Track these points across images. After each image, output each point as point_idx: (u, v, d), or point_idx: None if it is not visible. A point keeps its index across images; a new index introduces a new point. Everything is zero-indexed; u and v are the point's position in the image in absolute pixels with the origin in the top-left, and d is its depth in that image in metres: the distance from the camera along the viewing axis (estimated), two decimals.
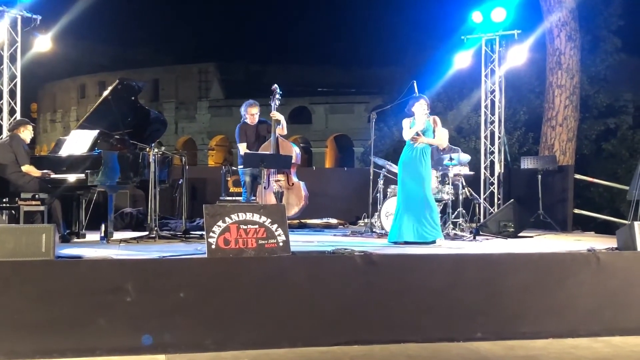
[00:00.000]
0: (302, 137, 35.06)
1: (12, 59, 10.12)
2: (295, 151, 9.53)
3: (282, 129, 9.41)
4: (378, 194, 9.37)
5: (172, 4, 41.72)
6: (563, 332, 5.91)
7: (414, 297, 5.82)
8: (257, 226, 5.95)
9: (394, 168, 9.49)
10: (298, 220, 10.27)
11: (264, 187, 8.88)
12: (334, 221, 10.90)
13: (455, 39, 12.01)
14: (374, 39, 33.92)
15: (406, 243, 7.62)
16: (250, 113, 9.51)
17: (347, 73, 36.32)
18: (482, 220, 10.22)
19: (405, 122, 7.92)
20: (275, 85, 9.54)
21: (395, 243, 7.71)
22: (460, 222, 9.04)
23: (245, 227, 5.91)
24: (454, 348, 5.58)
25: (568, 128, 12.99)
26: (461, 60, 11.58)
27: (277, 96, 9.47)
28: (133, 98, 8.68)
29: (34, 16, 10.09)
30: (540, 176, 10.69)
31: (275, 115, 9.35)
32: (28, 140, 8.05)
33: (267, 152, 9.23)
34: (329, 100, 35.49)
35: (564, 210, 10.83)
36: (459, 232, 8.78)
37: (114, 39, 38.56)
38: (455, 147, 9.63)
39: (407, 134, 7.88)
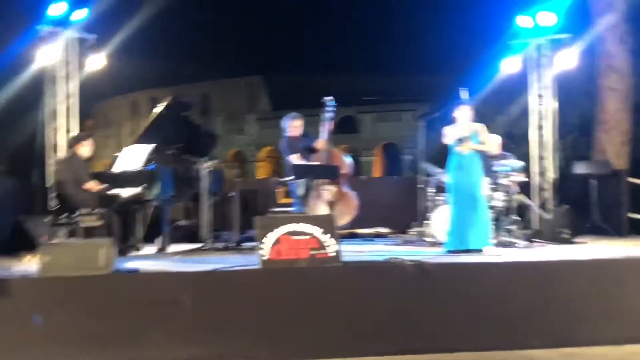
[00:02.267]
0: (349, 146, 35.08)
1: (67, 78, 10.39)
2: (346, 161, 9.55)
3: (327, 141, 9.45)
4: (429, 202, 9.31)
5: (219, 19, 42.24)
6: (621, 339, 5.78)
7: (467, 305, 5.78)
8: (308, 236, 5.98)
9: (443, 175, 9.43)
10: (348, 230, 10.28)
11: (317, 197, 8.92)
12: (384, 230, 10.88)
13: (501, 43, 11.90)
14: (419, 45, 33.77)
15: (463, 251, 7.56)
16: (293, 126, 9.50)
17: (393, 80, 36.21)
18: (536, 227, 10.08)
19: (447, 129, 7.87)
20: (330, 97, 9.46)
21: (452, 252, 7.65)
22: (514, 229, 8.93)
23: (296, 237, 5.96)
24: (509, 356, 5.52)
25: (621, 132, 12.73)
26: (509, 65, 11.47)
27: (330, 108, 9.39)
28: (185, 114, 8.86)
29: (89, 36, 10.36)
30: (594, 181, 10.50)
31: (330, 126, 9.34)
32: (88, 155, 8.23)
33: (316, 163, 9.27)
34: (375, 109, 35.49)
35: (619, 215, 10.61)
36: (512, 240, 8.68)
37: (164, 55, 39.17)
38: (508, 154, 9.53)
39: (447, 139, 7.84)
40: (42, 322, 5.28)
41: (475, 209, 7.64)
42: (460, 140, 7.76)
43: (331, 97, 9.39)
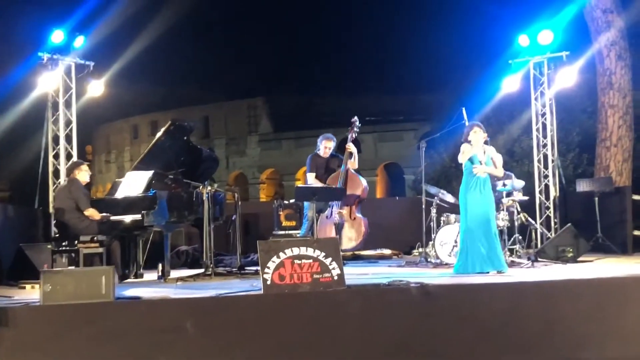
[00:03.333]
0: None
1: (67, 104, 10.43)
2: (362, 184, 9.59)
3: (353, 162, 9.55)
4: (431, 223, 9.28)
5: (218, 42, 42.47)
6: (627, 358, 5.73)
7: (471, 327, 5.73)
8: (311, 260, 5.97)
9: (447, 196, 9.42)
10: (352, 252, 10.25)
11: (326, 217, 8.92)
12: (387, 252, 10.83)
13: (501, 62, 11.96)
14: (420, 65, 33.82)
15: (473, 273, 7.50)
16: (325, 146, 9.69)
17: (394, 100, 36.26)
18: (539, 246, 10.03)
19: (465, 147, 7.80)
20: (356, 117, 9.66)
21: (462, 274, 7.58)
22: (517, 248, 8.89)
23: (299, 261, 5.94)
24: None
25: (623, 148, 12.71)
26: (509, 84, 11.50)
27: (356, 128, 9.61)
28: (185, 138, 8.85)
29: (87, 62, 10.41)
30: (597, 198, 10.47)
31: (350, 147, 9.48)
32: (86, 180, 8.24)
33: (320, 185, 9.28)
34: (377, 129, 35.44)
35: (623, 232, 10.56)
36: (516, 259, 8.63)
37: (164, 79, 39.33)
38: (509, 173, 9.51)
39: (462, 158, 7.78)
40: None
41: (488, 232, 7.59)
42: (479, 162, 7.72)
43: (355, 117, 9.56)
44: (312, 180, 9.47)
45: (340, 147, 10.05)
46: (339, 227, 9.26)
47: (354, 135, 9.69)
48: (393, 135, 35.07)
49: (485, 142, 7.83)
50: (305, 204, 9.59)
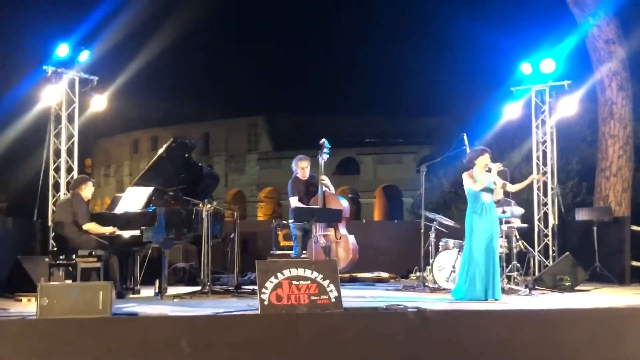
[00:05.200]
0: (350, 187, 35.11)
1: (70, 118, 10.44)
2: (343, 205, 9.57)
3: (329, 190, 9.56)
4: (430, 247, 9.28)
5: (220, 60, 42.68)
6: None
7: (467, 353, 5.70)
8: (309, 282, 5.96)
9: (445, 221, 9.43)
10: (349, 274, 10.24)
11: (314, 242, 8.91)
12: (385, 275, 10.82)
13: (503, 89, 12.02)
14: (421, 88, 33.98)
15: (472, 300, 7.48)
16: (301, 167, 9.66)
17: (395, 123, 36.38)
18: (537, 273, 10.02)
19: (470, 174, 7.78)
20: (324, 139, 9.66)
21: (461, 300, 7.59)
22: (515, 276, 8.89)
23: (297, 282, 5.94)
24: None
25: (623, 178, 12.75)
26: (511, 111, 11.55)
27: (325, 150, 9.61)
28: (186, 155, 8.88)
29: (91, 77, 10.44)
30: (595, 228, 10.47)
31: (323, 179, 9.46)
32: (89, 197, 8.26)
33: (318, 207, 9.28)
34: (376, 151, 35.53)
35: (621, 262, 10.55)
36: (513, 287, 8.62)
37: (165, 95, 39.49)
38: (509, 200, 9.53)
39: (477, 186, 7.72)
40: None
41: (491, 260, 7.58)
42: (489, 190, 7.74)
43: (324, 139, 9.59)
44: (295, 204, 9.46)
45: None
46: (327, 251, 9.25)
47: (325, 157, 9.70)
48: (392, 157, 35.13)
49: (488, 170, 7.86)
50: (292, 225, 9.59)
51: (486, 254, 7.56)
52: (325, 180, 9.51)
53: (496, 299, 7.43)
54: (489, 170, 7.83)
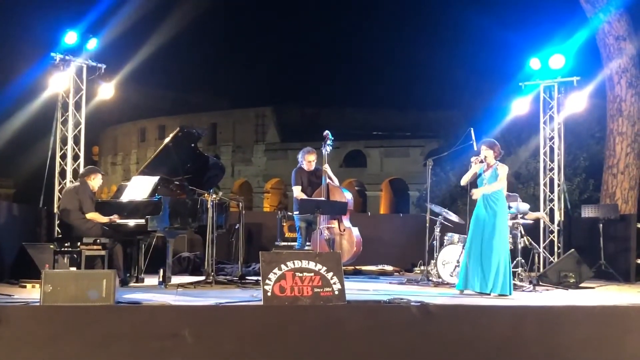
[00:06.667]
0: (356, 180, 35.08)
1: (77, 106, 10.45)
2: (346, 197, 9.55)
3: (332, 181, 9.54)
4: (434, 242, 9.26)
5: (230, 50, 42.67)
6: None
7: (470, 349, 5.69)
8: (312, 274, 5.96)
9: (451, 216, 9.41)
10: (353, 267, 10.23)
11: (319, 234, 8.89)
12: (389, 268, 10.80)
13: (512, 84, 11.96)
14: (429, 82, 33.92)
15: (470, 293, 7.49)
16: (307, 160, 9.66)
17: (402, 116, 36.32)
18: (541, 270, 9.99)
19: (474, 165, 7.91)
20: (327, 131, 9.63)
21: (461, 291, 7.61)
22: (520, 271, 8.86)
23: (300, 274, 5.93)
24: None
25: (630, 176, 12.69)
26: (519, 107, 11.49)
27: (329, 142, 9.58)
28: (193, 145, 8.86)
29: (99, 65, 10.44)
30: (601, 225, 10.43)
31: (326, 169, 9.45)
32: (96, 188, 8.29)
33: (323, 199, 9.27)
34: (383, 144, 35.46)
35: (626, 260, 10.50)
36: (518, 283, 8.59)
37: (174, 84, 39.55)
38: (514, 194, 9.49)
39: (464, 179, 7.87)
40: None
41: (488, 252, 7.54)
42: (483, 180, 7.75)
43: (327, 132, 9.58)
44: (298, 194, 9.46)
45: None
46: (330, 243, 9.24)
47: (328, 149, 9.68)
48: (399, 150, 35.06)
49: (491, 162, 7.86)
50: (295, 217, 9.59)
51: (481, 246, 7.60)
52: (328, 169, 9.48)
53: (502, 294, 7.41)
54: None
